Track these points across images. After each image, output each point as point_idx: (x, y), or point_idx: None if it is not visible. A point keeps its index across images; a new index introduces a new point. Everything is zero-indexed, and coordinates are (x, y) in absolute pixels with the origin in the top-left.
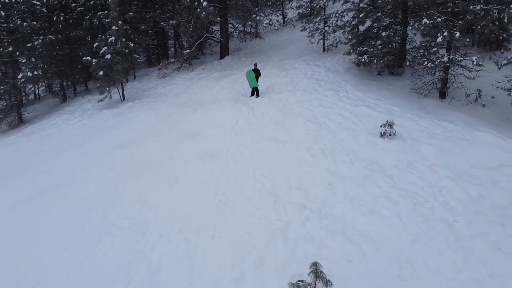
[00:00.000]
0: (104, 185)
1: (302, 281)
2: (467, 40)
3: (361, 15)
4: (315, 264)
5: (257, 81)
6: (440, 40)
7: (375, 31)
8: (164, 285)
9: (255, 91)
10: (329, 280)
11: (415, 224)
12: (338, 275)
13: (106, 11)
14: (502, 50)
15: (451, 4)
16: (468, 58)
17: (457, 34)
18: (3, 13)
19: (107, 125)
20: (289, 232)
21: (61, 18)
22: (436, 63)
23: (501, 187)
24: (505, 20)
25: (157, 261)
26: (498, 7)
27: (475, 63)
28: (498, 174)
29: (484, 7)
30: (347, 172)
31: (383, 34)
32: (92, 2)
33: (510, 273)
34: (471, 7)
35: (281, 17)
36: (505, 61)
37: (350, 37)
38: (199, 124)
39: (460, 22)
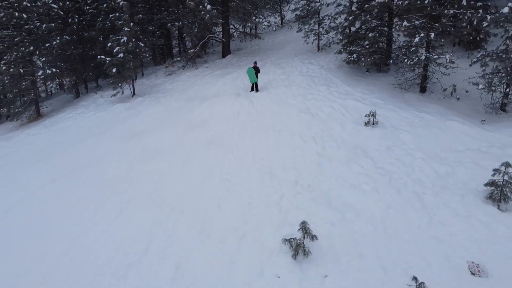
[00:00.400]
0: (122, 167)
1: (293, 238)
2: (442, 40)
3: (350, 18)
4: (303, 223)
5: (257, 77)
6: (418, 41)
7: (363, 32)
8: (178, 244)
9: (255, 87)
10: (314, 235)
11: (390, 195)
12: (323, 234)
13: (117, 14)
14: (479, 50)
15: (429, 9)
16: (442, 56)
17: (432, 35)
18: (24, 16)
19: (120, 117)
20: (283, 202)
21: (76, 19)
22: (415, 60)
23: (465, 167)
24: (475, 23)
25: (171, 227)
26: (470, 11)
27: (448, 60)
28: (464, 156)
29: (456, 11)
30: (334, 154)
31: (370, 35)
32: (104, 5)
33: (465, 231)
34: (446, 11)
35: (279, 18)
36: (475, 59)
37: (341, 37)
38: (205, 116)
39: (436, 24)
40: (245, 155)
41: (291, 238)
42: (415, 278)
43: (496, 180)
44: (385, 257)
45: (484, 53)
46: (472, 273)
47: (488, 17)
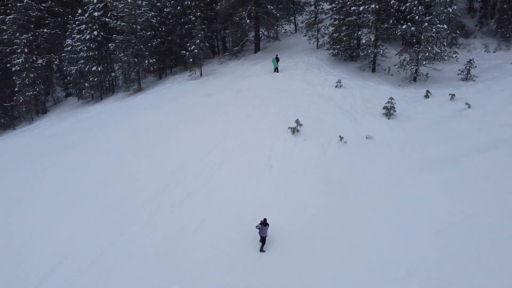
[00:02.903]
0: (206, 110)
1: (292, 127)
2: (380, 41)
3: (335, 28)
4: (297, 121)
5: (278, 64)
6: (364, 42)
7: (342, 37)
8: (241, 133)
9: (276, 70)
10: (301, 124)
11: (340, 115)
12: (305, 126)
13: (190, 25)
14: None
15: (376, 23)
16: (381, 49)
17: (372, 38)
18: (138, 27)
19: (195, 87)
20: (289, 117)
21: (163, 28)
22: (365, 53)
23: (380, 104)
24: (399, 32)
25: (238, 130)
26: (398, 25)
27: (381, 52)
28: (382, 100)
29: (388, 25)
30: (318, 101)
31: (344, 38)
32: (182, 19)
33: (371, 127)
34: (385, 24)
35: (293, 26)
36: (397, 52)
37: (329, 40)
38: (247, 85)
39: (377, 33)
40: (270, 103)
41: (291, 127)
42: (340, 137)
43: (387, 106)
44: (328, 128)
45: (401, 48)
46: (366, 138)
47: (410, 29)
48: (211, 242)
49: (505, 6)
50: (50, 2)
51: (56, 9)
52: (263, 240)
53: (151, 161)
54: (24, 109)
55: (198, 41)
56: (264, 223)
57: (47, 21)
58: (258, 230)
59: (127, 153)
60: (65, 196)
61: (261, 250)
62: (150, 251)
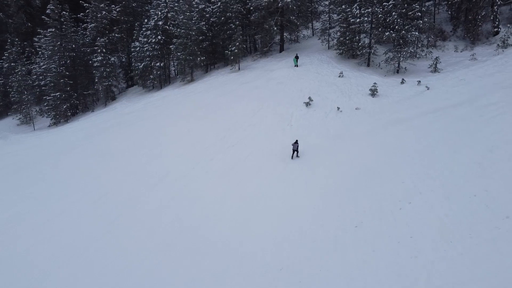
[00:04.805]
0: (245, 92)
1: (306, 102)
2: (374, 41)
3: (341, 33)
4: (309, 97)
5: (297, 61)
6: (362, 43)
7: (346, 40)
8: (267, 107)
9: (297, 65)
10: (312, 100)
11: (340, 94)
12: (315, 101)
13: (230, 31)
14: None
15: (370, 31)
16: (373, 50)
17: (367, 41)
18: (192, 33)
19: (235, 78)
20: (304, 96)
21: (210, 33)
22: (363, 51)
23: (368, 88)
24: (385, 37)
25: (268, 105)
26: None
27: (372, 52)
28: (370, 85)
29: (380, 31)
30: (325, 85)
31: (347, 41)
32: (225, 27)
33: (360, 101)
34: (376, 31)
35: (310, 31)
36: (384, 52)
37: (337, 42)
38: (274, 76)
39: (374, 37)
40: (291, 86)
41: (305, 102)
42: (338, 108)
43: (372, 88)
44: (330, 102)
45: (387, 49)
46: (356, 109)
47: (391, 35)
48: (256, 162)
49: (469, 17)
50: (117, 12)
51: (122, 18)
52: (295, 152)
53: (211, 123)
54: (101, 95)
55: (237, 43)
56: (295, 142)
57: (115, 28)
58: (292, 146)
59: (193, 119)
60: (164, 138)
61: (292, 158)
62: (216, 171)
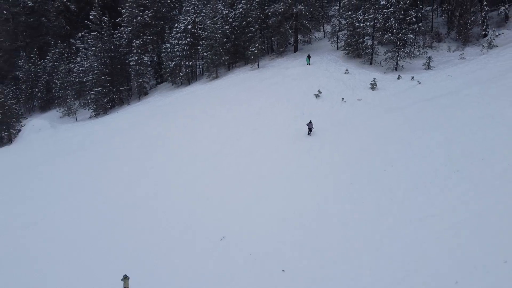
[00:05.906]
0: (263, 87)
1: (316, 94)
2: (376, 43)
3: (348, 36)
4: (319, 90)
5: (309, 61)
6: (366, 44)
7: (352, 42)
8: (281, 98)
9: (309, 64)
10: (321, 92)
11: (343, 87)
12: (323, 94)
13: (251, 34)
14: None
15: (373, 34)
16: (375, 50)
17: (370, 42)
18: (218, 36)
19: (255, 75)
20: (314, 89)
21: (232, 36)
22: (366, 52)
23: (369, 82)
24: (385, 40)
25: (291, 93)
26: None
27: (374, 52)
28: (371, 80)
29: (381, 34)
30: (332, 80)
31: (353, 43)
32: (246, 30)
33: (361, 93)
34: (377, 34)
35: (322, 33)
36: (384, 52)
37: (344, 44)
38: (289, 73)
39: (376, 39)
40: (303, 82)
41: (315, 94)
42: (342, 99)
43: (372, 83)
44: (336, 95)
45: (387, 49)
46: (357, 100)
47: (390, 38)
48: (275, 139)
49: (461, 22)
50: (149, 17)
51: (154, 22)
52: (309, 130)
53: (236, 113)
54: (136, 91)
55: (257, 44)
56: (310, 123)
57: (147, 31)
58: (307, 125)
59: (219, 108)
60: (197, 126)
61: (309, 134)
62: (243, 147)
